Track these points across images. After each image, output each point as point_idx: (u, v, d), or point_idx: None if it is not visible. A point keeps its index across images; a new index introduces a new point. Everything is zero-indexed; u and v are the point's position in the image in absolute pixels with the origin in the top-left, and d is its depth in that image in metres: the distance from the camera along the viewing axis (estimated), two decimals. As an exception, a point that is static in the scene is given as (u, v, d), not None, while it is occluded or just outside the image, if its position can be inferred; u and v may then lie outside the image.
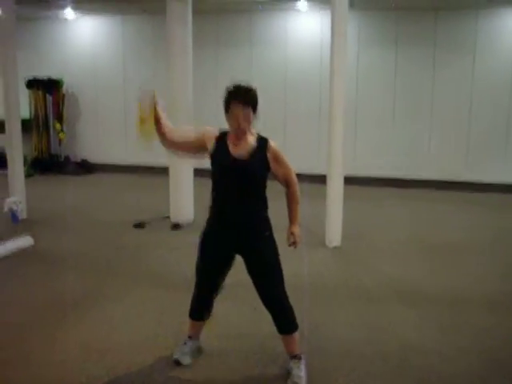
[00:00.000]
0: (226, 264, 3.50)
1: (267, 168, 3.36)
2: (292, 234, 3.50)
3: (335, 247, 6.49)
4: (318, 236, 6.60)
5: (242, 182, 3.32)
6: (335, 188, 6.51)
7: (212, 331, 3.94)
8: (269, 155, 3.35)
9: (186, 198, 7.53)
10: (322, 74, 9.57)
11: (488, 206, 8.78)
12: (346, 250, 6.45)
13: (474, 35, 9.67)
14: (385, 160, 10.25)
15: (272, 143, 3.39)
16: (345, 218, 6.60)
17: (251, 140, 3.36)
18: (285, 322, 3.48)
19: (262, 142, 3.37)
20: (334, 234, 6.54)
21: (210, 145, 3.38)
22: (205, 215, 3.49)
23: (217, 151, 3.36)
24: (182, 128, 3.58)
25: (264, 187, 3.41)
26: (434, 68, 9.92)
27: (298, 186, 3.49)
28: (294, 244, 3.52)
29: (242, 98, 3.24)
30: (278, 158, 3.39)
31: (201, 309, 3.66)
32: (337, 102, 6.37)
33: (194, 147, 3.48)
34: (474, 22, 9.64)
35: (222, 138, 3.38)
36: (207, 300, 3.63)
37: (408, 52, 9.99)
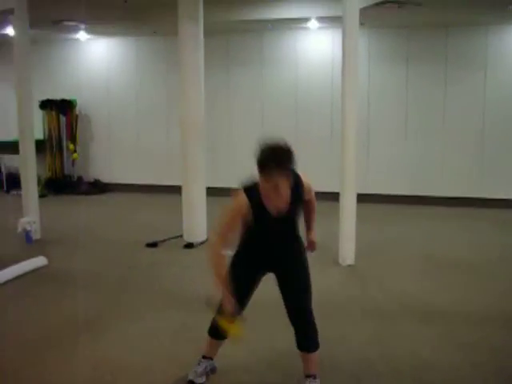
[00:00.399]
0: (257, 283, 3.51)
1: (302, 202, 3.42)
2: (311, 240, 3.68)
3: (349, 265, 6.46)
4: (332, 254, 6.58)
5: (283, 226, 3.36)
6: (348, 206, 6.51)
7: (225, 348, 3.92)
8: (304, 194, 3.38)
9: (199, 216, 7.54)
10: (334, 92, 9.63)
11: (503, 223, 8.72)
12: (360, 267, 6.42)
13: (484, 51, 9.68)
14: (397, 177, 10.24)
15: (304, 180, 3.35)
16: (358, 236, 6.58)
17: (286, 187, 3.16)
18: (308, 338, 3.47)
19: (295, 181, 3.26)
20: (348, 252, 6.51)
21: (246, 214, 3.22)
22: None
23: (254, 215, 3.22)
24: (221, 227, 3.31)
25: (299, 215, 3.47)
26: (445, 84, 9.92)
27: (315, 202, 3.60)
28: (311, 248, 3.69)
29: (284, 168, 3.08)
30: (309, 192, 3.45)
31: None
32: (349, 119, 6.39)
33: (238, 228, 3.37)
34: (484, 37, 9.66)
35: (251, 194, 3.19)
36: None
37: (419, 69, 10.00)
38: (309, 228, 3.71)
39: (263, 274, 3.53)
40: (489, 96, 9.77)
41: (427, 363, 4.04)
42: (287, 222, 3.37)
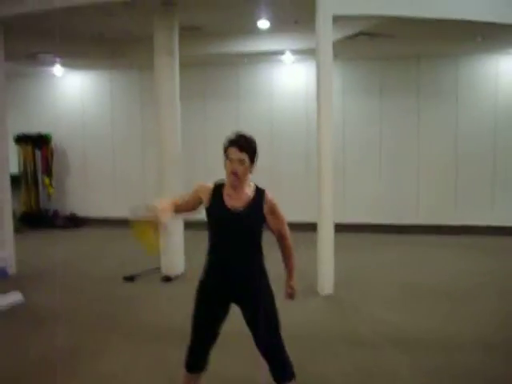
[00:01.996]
0: (223, 314, 3.46)
1: (263, 219, 3.39)
2: (291, 287, 3.55)
3: (327, 295, 6.46)
4: (310, 284, 6.58)
5: (239, 234, 3.33)
6: (326, 235, 6.53)
7: (205, 381, 3.87)
8: (265, 207, 3.37)
9: (177, 250, 7.50)
10: (308, 122, 9.73)
11: (477, 249, 8.81)
12: (339, 297, 6.42)
13: (455, 81, 9.91)
14: (373, 206, 10.31)
15: (269, 195, 3.41)
16: (336, 266, 6.60)
17: (248, 191, 3.38)
18: (282, 370, 3.43)
19: (259, 193, 3.40)
20: (326, 281, 6.52)
21: (206, 198, 3.40)
22: (195, 267, 3.46)
23: (212, 204, 3.37)
24: (179, 196, 3.57)
25: (260, 237, 3.42)
26: (418, 114, 10.10)
27: (291, 239, 3.51)
28: (291, 297, 3.56)
29: (238, 144, 3.29)
30: (274, 211, 3.41)
31: (196, 360, 3.59)
32: (324, 150, 6.46)
33: (192, 206, 3.51)
34: (454, 68, 9.89)
35: (217, 190, 3.39)
36: (203, 351, 3.56)
37: (392, 99, 10.17)
38: (288, 274, 3.57)
39: (227, 308, 3.46)
40: (461, 124, 9.96)
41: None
42: (243, 229, 3.33)
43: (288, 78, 10.59)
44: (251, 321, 3.41)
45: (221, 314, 3.46)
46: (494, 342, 5.01)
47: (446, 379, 4.25)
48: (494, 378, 4.26)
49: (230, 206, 3.33)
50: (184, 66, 7.67)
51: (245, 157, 3.28)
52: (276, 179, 10.40)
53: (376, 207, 10.31)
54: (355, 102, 10.33)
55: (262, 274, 3.44)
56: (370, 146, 10.34)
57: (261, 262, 3.44)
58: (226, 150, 3.33)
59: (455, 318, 5.69)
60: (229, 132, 3.36)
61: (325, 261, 6.53)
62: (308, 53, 8.82)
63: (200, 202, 3.44)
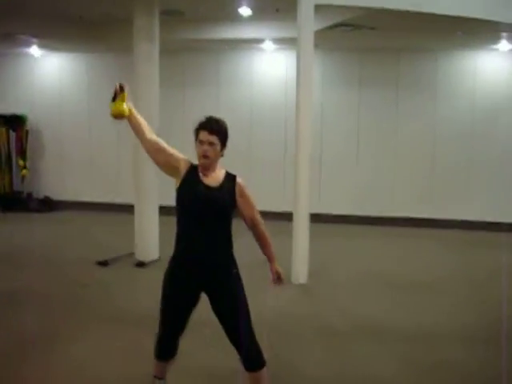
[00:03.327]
0: (192, 302, 3.44)
1: (234, 201, 3.38)
2: (277, 272, 3.59)
3: (301, 284, 6.48)
4: (284, 273, 6.56)
5: (211, 213, 3.31)
6: (301, 225, 6.54)
7: (177, 369, 3.87)
8: (236, 190, 3.38)
9: (151, 235, 7.47)
10: (288, 110, 9.73)
11: (451, 242, 8.91)
12: (312, 286, 6.45)
13: (434, 75, 9.97)
14: (349, 197, 10.36)
15: (239, 179, 3.43)
16: (310, 255, 6.62)
17: (219, 174, 3.40)
18: (252, 358, 3.42)
19: (230, 177, 3.42)
20: (300, 270, 6.54)
21: (183, 171, 3.38)
22: (170, 253, 3.43)
23: (187, 179, 3.36)
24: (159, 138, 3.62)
25: (231, 223, 3.41)
26: (396, 107, 10.14)
27: (264, 225, 3.51)
28: (279, 281, 3.60)
29: (209, 127, 3.31)
30: (244, 194, 3.42)
31: (166, 348, 3.58)
32: (303, 140, 6.46)
33: (166, 159, 3.45)
34: (434, 62, 9.95)
35: (193, 168, 3.40)
36: (173, 339, 3.55)
37: (371, 91, 10.20)
38: (270, 260, 3.60)
39: (197, 298, 3.42)
40: (439, 118, 10.03)
41: (380, 381, 4.06)
42: (216, 207, 3.31)
43: (268, 66, 10.56)
44: (221, 310, 3.39)
45: (190, 304, 3.42)
46: (473, 333, 5.08)
47: (422, 368, 4.29)
48: (474, 369, 4.31)
49: (204, 182, 3.34)
50: (164, 52, 7.60)
51: (215, 139, 3.30)
52: (254, 166, 10.39)
53: (352, 198, 10.35)
54: (334, 92, 10.33)
55: (232, 261, 3.42)
56: (348, 137, 10.37)
57: (231, 249, 3.42)
58: (196, 134, 3.35)
59: (431, 308, 5.75)
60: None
61: (299, 250, 6.55)
62: (289, 42, 8.80)
63: (174, 166, 3.41)
